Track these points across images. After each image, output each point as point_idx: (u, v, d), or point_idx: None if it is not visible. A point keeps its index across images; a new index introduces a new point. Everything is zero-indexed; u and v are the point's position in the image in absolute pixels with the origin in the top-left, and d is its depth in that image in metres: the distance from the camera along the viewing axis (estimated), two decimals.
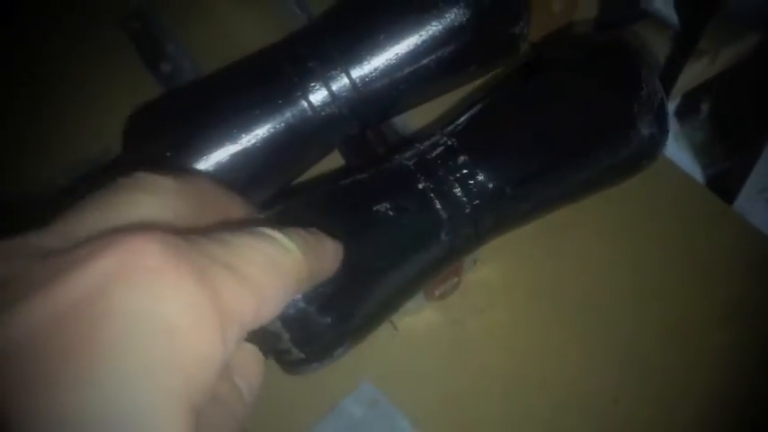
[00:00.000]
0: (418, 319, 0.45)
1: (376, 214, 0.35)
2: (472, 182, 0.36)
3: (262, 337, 0.34)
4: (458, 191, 0.36)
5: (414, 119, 0.46)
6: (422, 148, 0.38)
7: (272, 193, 0.40)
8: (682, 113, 0.67)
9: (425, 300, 0.44)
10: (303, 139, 0.40)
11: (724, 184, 0.59)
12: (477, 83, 0.45)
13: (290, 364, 0.34)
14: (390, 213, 0.35)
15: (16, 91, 0.49)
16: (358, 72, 0.39)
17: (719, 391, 0.43)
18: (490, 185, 0.37)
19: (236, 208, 0.26)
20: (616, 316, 0.45)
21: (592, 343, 0.44)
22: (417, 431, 0.41)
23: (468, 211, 0.36)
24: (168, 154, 0.38)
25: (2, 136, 0.48)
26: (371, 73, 0.39)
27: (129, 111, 0.41)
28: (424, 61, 0.39)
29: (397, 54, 0.39)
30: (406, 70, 0.39)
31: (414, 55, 0.39)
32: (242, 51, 0.43)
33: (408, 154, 0.38)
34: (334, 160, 0.44)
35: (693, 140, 0.67)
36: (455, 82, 0.43)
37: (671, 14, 0.57)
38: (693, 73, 0.59)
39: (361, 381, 0.43)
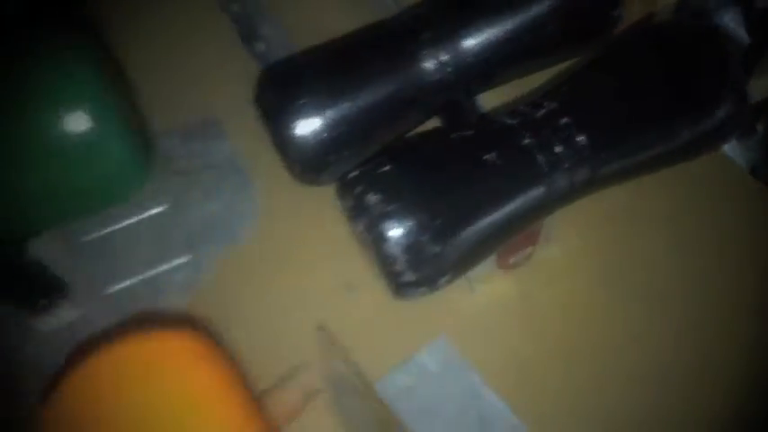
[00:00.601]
0: (491, 287, 0.47)
1: (485, 162, 0.39)
2: (572, 141, 0.40)
3: (380, 260, 0.38)
4: (558, 148, 0.40)
5: (491, 99, 0.49)
6: (525, 110, 0.42)
7: (379, 148, 0.44)
8: None
9: (498, 267, 0.47)
10: (413, 101, 0.44)
11: None
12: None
13: (401, 286, 0.38)
14: (498, 162, 0.38)
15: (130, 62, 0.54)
16: (467, 44, 0.43)
17: (758, 382, 0.45)
18: (587, 146, 0.40)
19: None
20: (673, 297, 0.47)
21: (648, 318, 0.46)
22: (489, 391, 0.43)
23: (566, 166, 0.40)
24: (293, 103, 0.42)
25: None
26: (479, 45, 0.43)
27: (229, 82, 0.45)
28: (530, 37, 0.43)
29: (505, 30, 0.43)
30: (513, 45, 0.43)
31: (520, 31, 0.43)
32: (332, 34, 0.46)
33: (511, 115, 0.42)
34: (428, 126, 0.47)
35: (747, 160, 0.70)
36: (556, 57, 0.47)
37: (738, 29, 0.60)
38: (756, 90, 0.62)
39: (436, 337, 0.45)
